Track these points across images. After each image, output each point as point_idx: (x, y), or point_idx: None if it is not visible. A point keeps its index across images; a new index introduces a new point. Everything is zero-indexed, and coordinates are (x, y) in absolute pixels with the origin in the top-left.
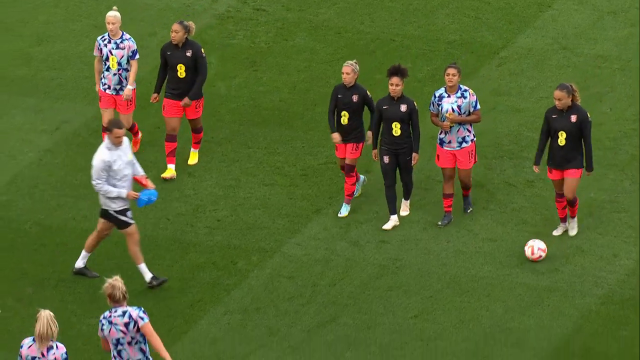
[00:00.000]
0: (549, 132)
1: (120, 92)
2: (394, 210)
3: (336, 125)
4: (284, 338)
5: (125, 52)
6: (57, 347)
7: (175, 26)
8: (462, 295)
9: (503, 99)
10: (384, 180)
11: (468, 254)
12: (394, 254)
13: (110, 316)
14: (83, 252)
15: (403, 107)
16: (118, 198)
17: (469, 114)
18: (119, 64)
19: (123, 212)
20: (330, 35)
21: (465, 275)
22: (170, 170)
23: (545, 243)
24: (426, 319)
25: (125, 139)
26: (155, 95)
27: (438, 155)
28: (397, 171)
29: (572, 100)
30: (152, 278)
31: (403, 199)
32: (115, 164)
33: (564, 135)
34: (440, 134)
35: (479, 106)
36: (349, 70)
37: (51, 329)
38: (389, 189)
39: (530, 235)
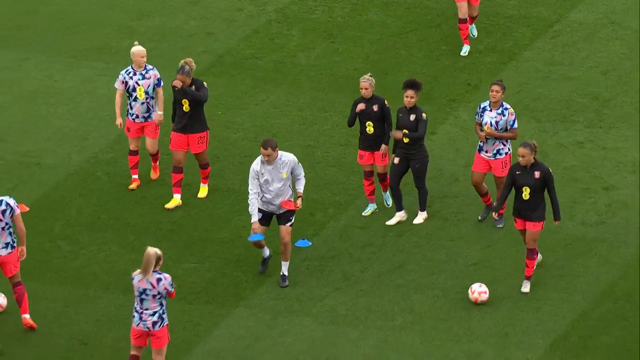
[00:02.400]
0: (512, 187)
1: (149, 119)
2: (399, 207)
3: (362, 135)
4: (356, 282)
5: (151, 81)
6: (164, 277)
7: (180, 77)
8: (517, 245)
9: (556, 68)
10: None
11: None
12: (455, 208)
13: None
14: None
15: (412, 117)
16: (261, 210)
17: (506, 130)
18: (146, 92)
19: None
20: (400, 10)
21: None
22: (176, 200)
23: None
24: (484, 265)
25: (281, 155)
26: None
27: (474, 160)
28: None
29: (534, 157)
30: (267, 258)
31: (419, 210)
32: (262, 176)
33: (528, 190)
34: (479, 141)
35: (516, 125)
36: (367, 86)
37: (151, 264)
38: (393, 189)
39: (580, 192)
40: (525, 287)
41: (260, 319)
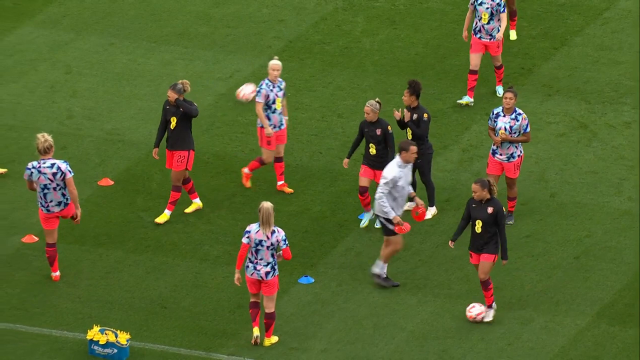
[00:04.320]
0: (468, 219)
1: (282, 127)
2: (431, 202)
3: (366, 153)
4: (415, 253)
5: (284, 92)
6: (277, 231)
7: (170, 93)
8: (568, 219)
9: (605, 53)
10: None
11: (573, 184)
12: None
13: (39, 166)
14: (379, 262)
15: (414, 116)
16: (394, 210)
17: (519, 134)
18: (281, 102)
19: (391, 221)
20: None
21: (570, 202)
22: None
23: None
24: (536, 238)
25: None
26: (156, 149)
27: (488, 163)
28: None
29: (490, 194)
30: (384, 275)
31: (427, 205)
32: (400, 181)
33: (480, 224)
34: (493, 145)
35: (529, 129)
36: (368, 111)
37: (271, 216)
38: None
39: (627, 169)
40: (488, 317)
41: (326, 286)
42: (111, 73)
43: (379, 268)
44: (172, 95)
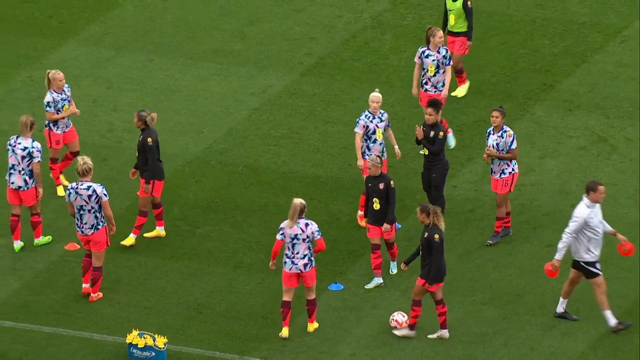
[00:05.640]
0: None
1: (384, 157)
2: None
3: (368, 210)
4: None
5: (386, 122)
6: (311, 223)
7: (135, 119)
8: None
9: (624, 70)
10: None
11: None
12: (531, 195)
13: (77, 187)
14: (560, 299)
15: (432, 133)
16: (591, 251)
17: (506, 151)
18: (382, 134)
19: (593, 264)
20: (482, 18)
21: None
22: (130, 239)
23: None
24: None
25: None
26: (134, 170)
27: (491, 183)
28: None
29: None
30: (617, 323)
31: None
32: (592, 221)
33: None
34: (490, 164)
35: (514, 146)
36: (369, 166)
37: (297, 212)
38: (427, 192)
39: None
40: (401, 332)
41: (354, 293)
42: (150, 88)
43: (610, 320)
44: (135, 120)
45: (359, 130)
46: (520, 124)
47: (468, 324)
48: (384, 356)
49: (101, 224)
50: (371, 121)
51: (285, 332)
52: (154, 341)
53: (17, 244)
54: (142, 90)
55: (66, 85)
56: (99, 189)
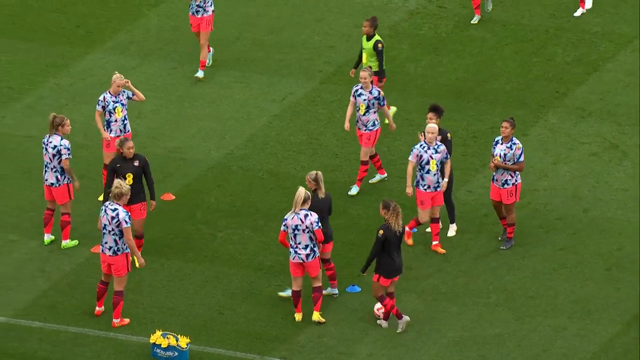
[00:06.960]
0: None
1: (437, 189)
2: (452, 219)
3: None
4: (456, 264)
5: (442, 155)
6: (310, 214)
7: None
8: (600, 233)
9: (635, 78)
10: None
11: (605, 201)
12: (544, 200)
13: (107, 207)
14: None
15: (439, 137)
16: None
17: (513, 162)
18: (436, 165)
19: None
20: (497, 27)
21: (602, 217)
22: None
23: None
24: (570, 251)
25: None
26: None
27: (491, 189)
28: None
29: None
30: None
31: (449, 223)
32: None
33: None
34: (494, 172)
35: (522, 158)
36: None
37: (300, 200)
38: (445, 202)
39: None
40: (384, 323)
41: (371, 295)
42: (173, 95)
43: None
44: (122, 148)
45: (412, 158)
46: (533, 130)
47: (482, 325)
48: (400, 357)
49: (121, 250)
50: (425, 151)
51: (298, 317)
52: (177, 341)
53: (47, 237)
54: (165, 97)
55: (126, 92)
56: (122, 214)
